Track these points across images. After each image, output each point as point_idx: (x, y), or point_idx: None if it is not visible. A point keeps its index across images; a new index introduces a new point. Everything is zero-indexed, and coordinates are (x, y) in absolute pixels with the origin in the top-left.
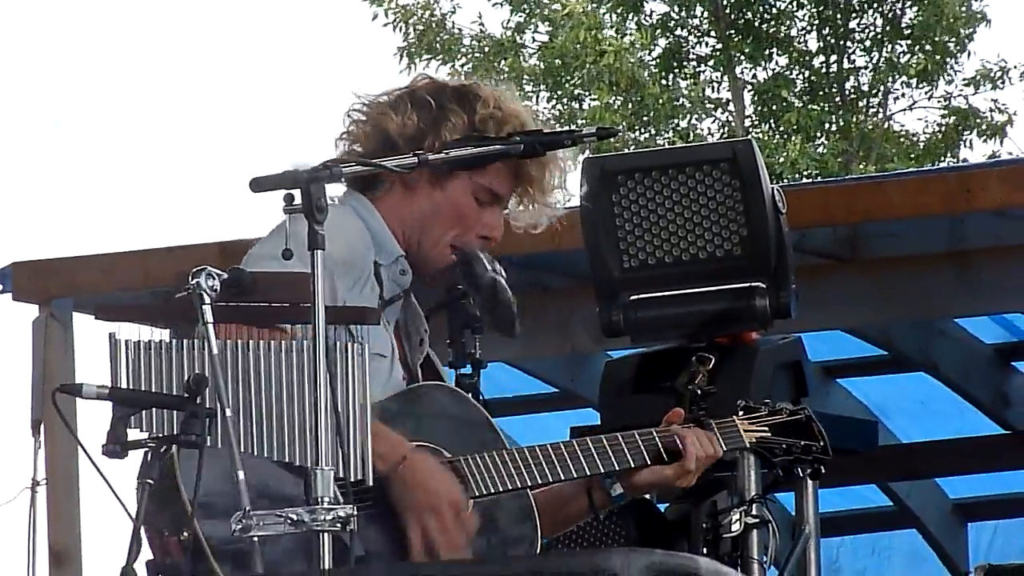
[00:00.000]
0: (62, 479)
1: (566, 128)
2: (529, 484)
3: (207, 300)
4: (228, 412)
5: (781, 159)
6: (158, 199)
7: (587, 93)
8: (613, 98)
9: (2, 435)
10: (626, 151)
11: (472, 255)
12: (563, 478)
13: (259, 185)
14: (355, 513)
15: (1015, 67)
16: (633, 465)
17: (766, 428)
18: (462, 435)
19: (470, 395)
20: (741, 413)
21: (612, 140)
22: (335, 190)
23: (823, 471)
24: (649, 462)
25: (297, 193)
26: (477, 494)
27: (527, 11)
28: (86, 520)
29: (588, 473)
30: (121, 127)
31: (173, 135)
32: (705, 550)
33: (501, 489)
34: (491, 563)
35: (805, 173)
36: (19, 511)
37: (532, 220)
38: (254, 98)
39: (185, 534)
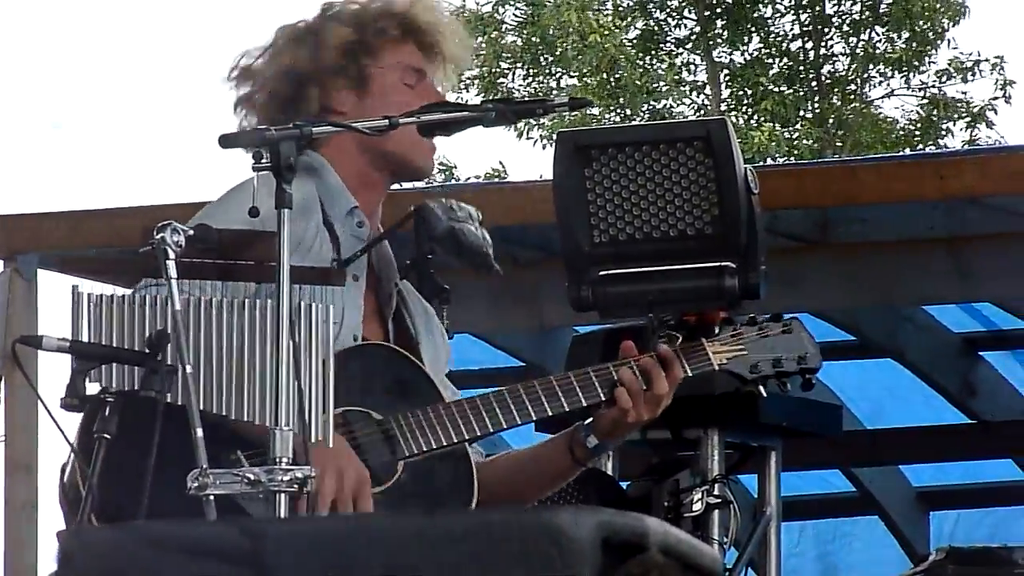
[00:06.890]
0: (22, 433)
1: (538, 97)
2: (466, 437)
3: (171, 255)
4: (188, 369)
5: (754, 142)
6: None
7: (565, 72)
8: (590, 78)
9: None
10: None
11: (426, 210)
12: (504, 426)
13: (228, 141)
14: (313, 475)
15: (986, 60)
16: (585, 403)
17: (742, 348)
18: (398, 395)
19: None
20: (718, 331)
21: (583, 115)
22: None
23: (813, 383)
24: (604, 398)
25: (266, 151)
26: (407, 454)
27: None
28: (44, 473)
29: (533, 418)
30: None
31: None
32: None
33: (435, 446)
34: (438, 518)
35: (777, 160)
36: None
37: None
38: None
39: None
